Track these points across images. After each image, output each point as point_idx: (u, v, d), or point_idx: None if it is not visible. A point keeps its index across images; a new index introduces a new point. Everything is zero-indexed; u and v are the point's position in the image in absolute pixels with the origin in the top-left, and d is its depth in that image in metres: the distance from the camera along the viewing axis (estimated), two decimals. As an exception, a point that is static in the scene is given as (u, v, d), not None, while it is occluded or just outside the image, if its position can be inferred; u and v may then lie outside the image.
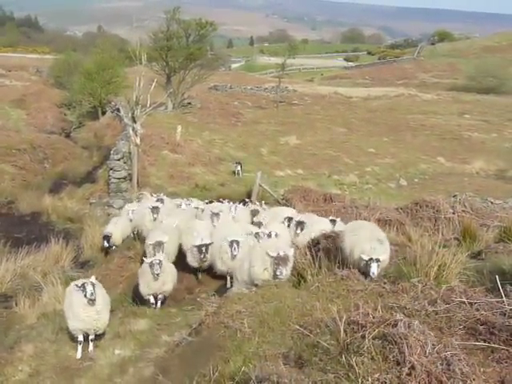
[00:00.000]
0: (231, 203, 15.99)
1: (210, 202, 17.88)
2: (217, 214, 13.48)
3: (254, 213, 14.93)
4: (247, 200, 18.13)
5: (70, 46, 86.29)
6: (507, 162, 32.01)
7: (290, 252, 8.87)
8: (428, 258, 7.67)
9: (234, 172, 26.75)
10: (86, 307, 8.13)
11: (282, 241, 10.85)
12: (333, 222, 12.73)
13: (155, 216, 14.02)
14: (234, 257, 10.73)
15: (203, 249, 11.47)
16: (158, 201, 16.03)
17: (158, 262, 9.95)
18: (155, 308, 10.36)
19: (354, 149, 35.46)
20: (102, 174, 25.63)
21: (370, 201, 17.65)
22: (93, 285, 8.18)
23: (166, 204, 16.13)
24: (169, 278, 10.46)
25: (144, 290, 10.35)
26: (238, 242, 10.78)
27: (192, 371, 6.09)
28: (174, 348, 7.89)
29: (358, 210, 15.40)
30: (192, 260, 11.94)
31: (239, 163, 26.79)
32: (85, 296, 8.08)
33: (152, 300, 10.40)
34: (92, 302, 8.07)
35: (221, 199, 18.05)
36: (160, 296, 10.45)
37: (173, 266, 11.06)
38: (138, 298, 10.66)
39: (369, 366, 4.52)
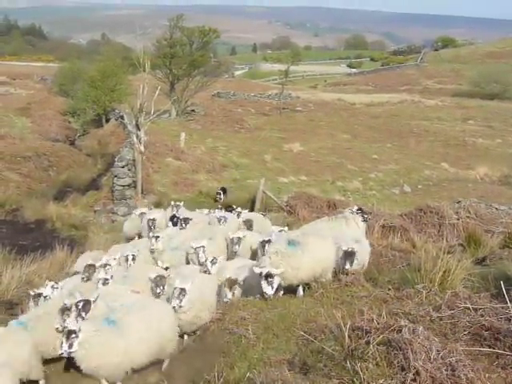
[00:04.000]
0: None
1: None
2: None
3: (248, 223, 12.45)
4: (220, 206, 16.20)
5: (74, 54, 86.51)
6: (511, 168, 31.94)
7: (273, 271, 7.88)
8: (432, 264, 7.66)
9: (215, 199, 22.64)
10: None
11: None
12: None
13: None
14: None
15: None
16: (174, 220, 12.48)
17: None
18: None
19: (358, 155, 35.45)
20: (106, 181, 25.67)
21: (373, 207, 17.64)
22: None
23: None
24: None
25: None
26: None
27: (197, 377, 6.10)
28: (178, 354, 7.89)
29: (361, 217, 15.37)
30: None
31: (224, 190, 22.83)
32: None
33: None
34: None
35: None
36: None
37: None
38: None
39: (373, 371, 4.53)
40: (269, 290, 7.77)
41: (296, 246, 8.27)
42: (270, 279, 7.77)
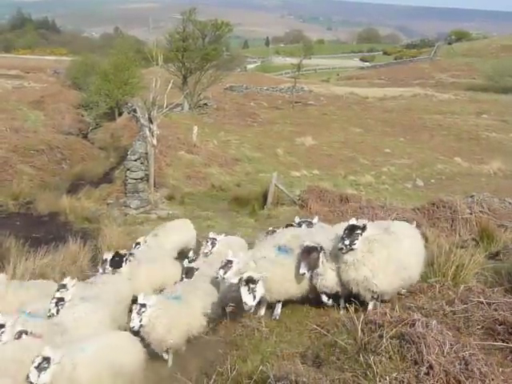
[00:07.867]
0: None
1: None
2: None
3: None
4: None
5: (87, 47, 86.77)
6: (525, 163, 31.69)
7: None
8: (445, 259, 7.64)
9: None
10: None
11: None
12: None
13: None
14: None
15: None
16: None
17: None
18: None
19: (370, 149, 35.33)
20: (118, 174, 25.73)
21: (386, 201, 17.61)
22: None
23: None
24: None
25: None
26: None
27: (210, 370, 6.13)
28: (192, 347, 7.93)
29: (374, 211, 15.35)
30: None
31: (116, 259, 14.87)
32: None
33: None
34: None
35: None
36: None
37: None
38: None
39: (386, 365, 4.53)
40: (249, 300, 6.57)
41: (288, 253, 7.18)
42: (251, 285, 6.54)
